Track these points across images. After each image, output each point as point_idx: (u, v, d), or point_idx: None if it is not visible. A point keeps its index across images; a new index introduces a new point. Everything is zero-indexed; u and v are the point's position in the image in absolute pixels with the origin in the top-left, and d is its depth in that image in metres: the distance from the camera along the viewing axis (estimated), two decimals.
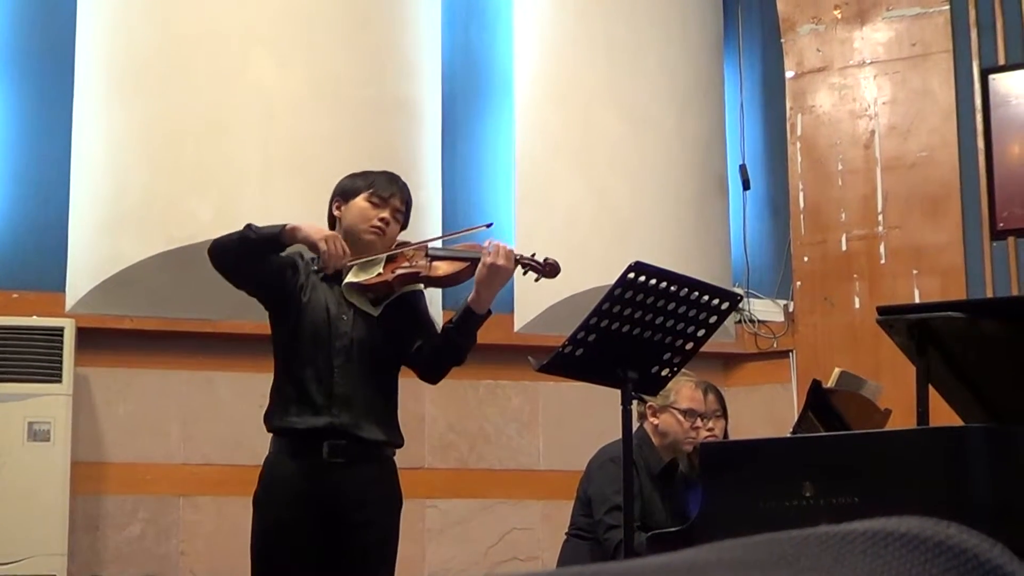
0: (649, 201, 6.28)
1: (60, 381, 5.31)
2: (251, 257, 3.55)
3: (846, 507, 3.05)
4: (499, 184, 6.38)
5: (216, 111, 5.47)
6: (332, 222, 3.72)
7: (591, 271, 5.90)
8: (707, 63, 6.65)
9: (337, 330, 3.58)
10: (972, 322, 3.22)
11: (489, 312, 3.63)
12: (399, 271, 3.61)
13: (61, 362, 5.32)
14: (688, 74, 6.50)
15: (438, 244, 3.94)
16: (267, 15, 5.56)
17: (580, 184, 6.24)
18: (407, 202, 3.72)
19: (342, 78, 5.64)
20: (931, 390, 3.27)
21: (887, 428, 4.08)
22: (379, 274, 3.62)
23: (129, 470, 5.65)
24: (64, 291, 5.58)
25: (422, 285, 3.69)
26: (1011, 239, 6.05)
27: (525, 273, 3.68)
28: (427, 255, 3.67)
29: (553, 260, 3.66)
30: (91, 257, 5.54)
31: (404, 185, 3.74)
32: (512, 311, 6.18)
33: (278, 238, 3.51)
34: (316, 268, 3.61)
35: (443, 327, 3.72)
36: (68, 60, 5.69)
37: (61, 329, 5.35)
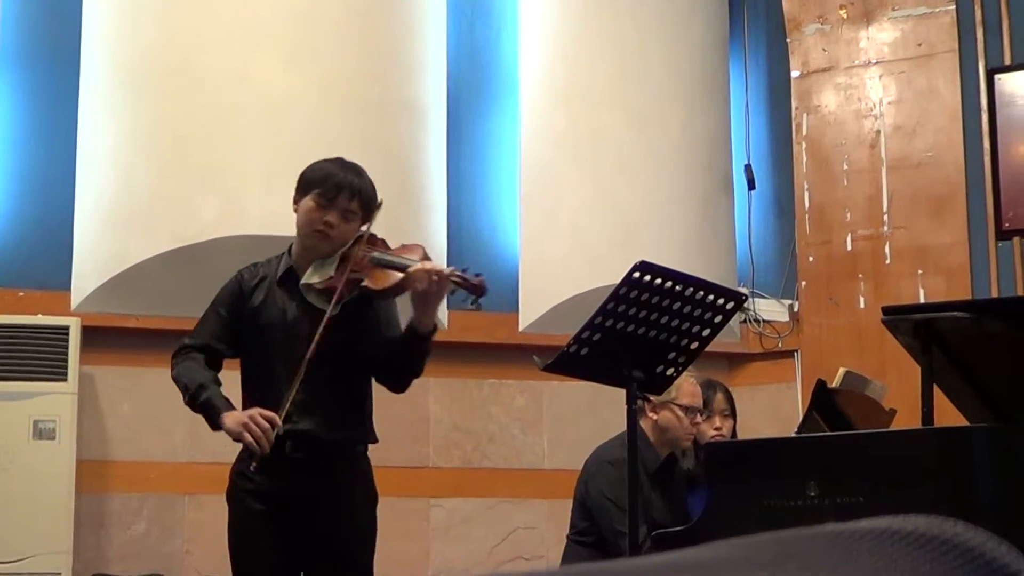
0: (654, 201, 6.28)
1: (65, 379, 5.32)
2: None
3: (851, 507, 3.05)
4: (504, 184, 6.38)
5: (221, 110, 5.48)
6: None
7: (596, 271, 5.90)
8: (712, 63, 6.65)
9: (297, 334, 3.46)
10: (977, 322, 3.22)
11: (435, 328, 3.48)
12: (346, 276, 3.45)
13: (66, 360, 5.33)
14: (693, 74, 6.50)
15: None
16: (272, 15, 5.56)
17: (585, 184, 6.23)
18: (364, 200, 3.48)
19: (347, 78, 5.64)
20: (936, 390, 3.27)
21: (892, 428, 4.08)
22: (330, 277, 3.47)
23: (134, 468, 5.66)
24: (69, 290, 5.59)
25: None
26: (1016, 239, 6.04)
27: (453, 292, 3.47)
28: (373, 261, 3.48)
29: (481, 279, 3.44)
30: (96, 256, 5.54)
31: (360, 181, 3.50)
32: (517, 310, 6.18)
33: (213, 421, 3.50)
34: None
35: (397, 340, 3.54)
36: (74, 59, 5.69)
37: (66, 327, 5.36)
